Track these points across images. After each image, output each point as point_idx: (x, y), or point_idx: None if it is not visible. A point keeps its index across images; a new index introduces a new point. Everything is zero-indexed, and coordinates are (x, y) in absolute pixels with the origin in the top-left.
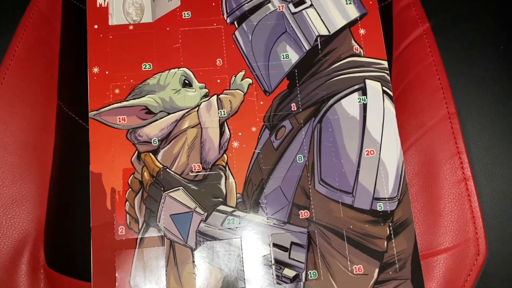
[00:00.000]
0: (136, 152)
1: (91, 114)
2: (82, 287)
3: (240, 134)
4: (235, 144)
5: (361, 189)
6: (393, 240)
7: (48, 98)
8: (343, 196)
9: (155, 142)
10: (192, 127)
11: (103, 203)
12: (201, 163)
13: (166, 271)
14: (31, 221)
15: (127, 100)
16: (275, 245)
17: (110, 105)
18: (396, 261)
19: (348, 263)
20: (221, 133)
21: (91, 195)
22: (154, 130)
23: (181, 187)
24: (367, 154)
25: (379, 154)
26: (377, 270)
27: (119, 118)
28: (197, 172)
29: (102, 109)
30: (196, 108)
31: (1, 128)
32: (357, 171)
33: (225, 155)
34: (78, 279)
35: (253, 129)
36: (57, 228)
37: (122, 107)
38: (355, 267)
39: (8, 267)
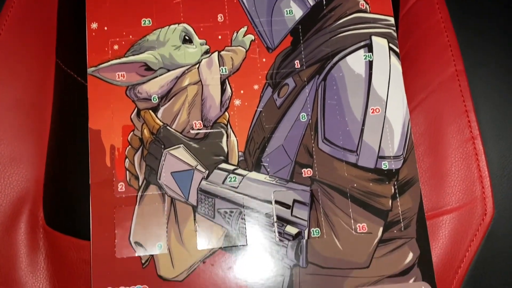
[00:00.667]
0: (136, 109)
1: (89, 70)
2: (81, 245)
3: (242, 92)
4: (237, 102)
5: (366, 148)
6: (398, 199)
7: (46, 57)
8: (347, 155)
9: (155, 99)
10: (193, 84)
11: (103, 160)
12: (202, 121)
13: (166, 228)
14: (29, 179)
15: (126, 56)
16: (277, 202)
17: (109, 61)
18: (401, 220)
19: (352, 221)
20: (223, 90)
21: (90, 152)
22: (154, 87)
23: (182, 145)
24: (372, 112)
25: (385, 112)
26: (381, 229)
27: (118, 74)
28: (198, 129)
29: (101, 65)
30: (197, 65)
31: None
32: (362, 130)
33: (226, 113)
34: (77, 238)
35: (255, 87)
36: (56, 186)
37: (121, 63)
38: (359, 226)
39: (7, 226)
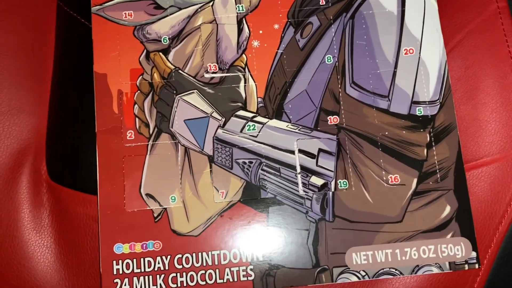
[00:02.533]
0: (145, 51)
1: (93, 9)
2: (88, 200)
3: (260, 32)
4: (255, 43)
5: (398, 92)
6: (433, 148)
7: None
8: (378, 100)
9: (165, 41)
10: (207, 24)
11: (109, 106)
12: (217, 63)
13: (180, 180)
14: (31, 130)
15: None
16: (301, 151)
17: None
18: (438, 171)
19: (383, 172)
20: (239, 30)
21: (96, 98)
22: (164, 27)
23: (196, 90)
24: (406, 53)
25: (419, 53)
26: (415, 180)
27: (125, 13)
28: (213, 72)
29: (106, 4)
30: (211, 3)
31: None
32: (394, 72)
33: (244, 55)
34: (83, 192)
35: (276, 26)
36: (59, 137)
37: (128, 1)
38: (391, 177)
39: (8, 180)
